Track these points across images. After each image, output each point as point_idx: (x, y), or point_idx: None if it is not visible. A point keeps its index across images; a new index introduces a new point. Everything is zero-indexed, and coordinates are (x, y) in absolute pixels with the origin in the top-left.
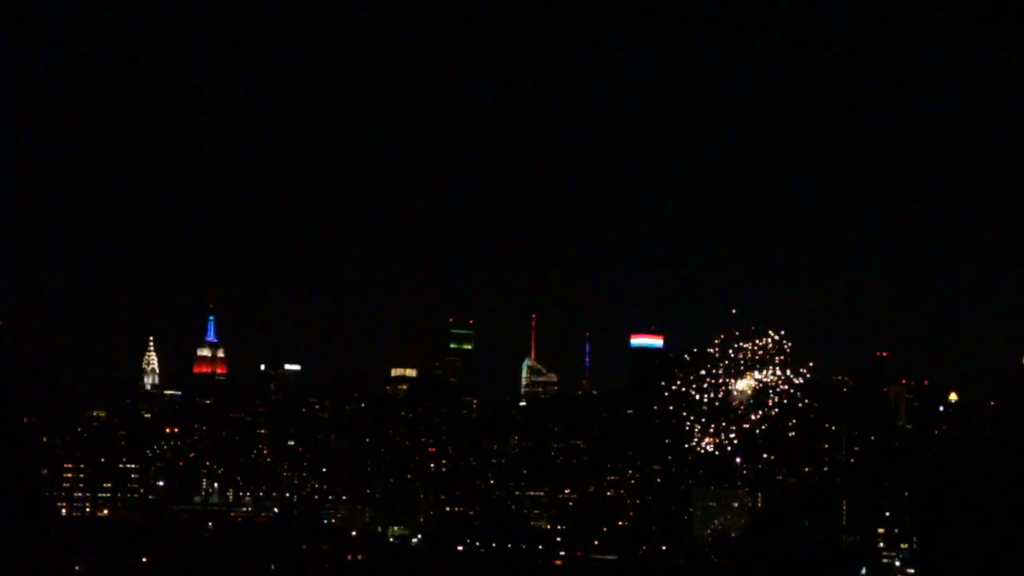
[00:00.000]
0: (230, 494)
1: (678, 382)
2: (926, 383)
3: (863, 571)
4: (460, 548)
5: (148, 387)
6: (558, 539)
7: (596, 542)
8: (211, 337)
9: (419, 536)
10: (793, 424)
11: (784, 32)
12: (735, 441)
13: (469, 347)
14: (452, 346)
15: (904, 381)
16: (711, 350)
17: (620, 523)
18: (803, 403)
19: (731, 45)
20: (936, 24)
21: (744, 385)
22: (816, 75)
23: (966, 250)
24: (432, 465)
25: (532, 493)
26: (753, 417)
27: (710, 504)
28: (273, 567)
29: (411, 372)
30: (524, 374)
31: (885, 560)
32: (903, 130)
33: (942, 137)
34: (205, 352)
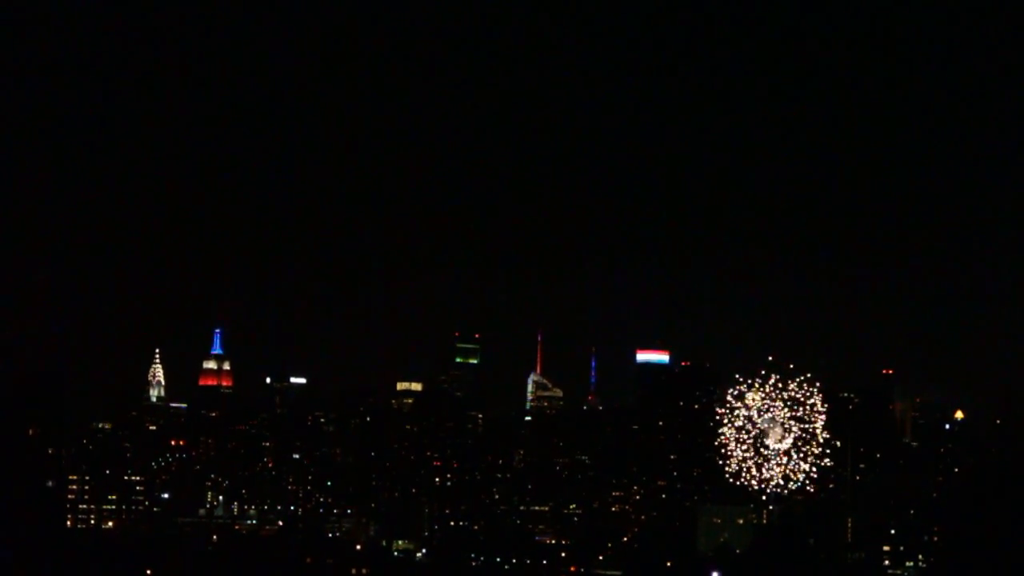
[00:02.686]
0: (235, 507)
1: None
2: (932, 401)
3: None
4: (464, 562)
5: (154, 399)
6: (563, 554)
7: (600, 557)
8: (217, 350)
9: (424, 550)
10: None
11: (792, 39)
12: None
13: (475, 361)
14: (458, 360)
15: (910, 399)
16: None
17: (625, 539)
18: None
19: (735, 54)
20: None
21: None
22: (821, 83)
23: (973, 269)
24: (437, 479)
25: (537, 508)
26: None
27: (715, 520)
28: None
29: (417, 386)
30: (530, 389)
31: None
32: (911, 146)
33: (951, 155)
34: (211, 365)
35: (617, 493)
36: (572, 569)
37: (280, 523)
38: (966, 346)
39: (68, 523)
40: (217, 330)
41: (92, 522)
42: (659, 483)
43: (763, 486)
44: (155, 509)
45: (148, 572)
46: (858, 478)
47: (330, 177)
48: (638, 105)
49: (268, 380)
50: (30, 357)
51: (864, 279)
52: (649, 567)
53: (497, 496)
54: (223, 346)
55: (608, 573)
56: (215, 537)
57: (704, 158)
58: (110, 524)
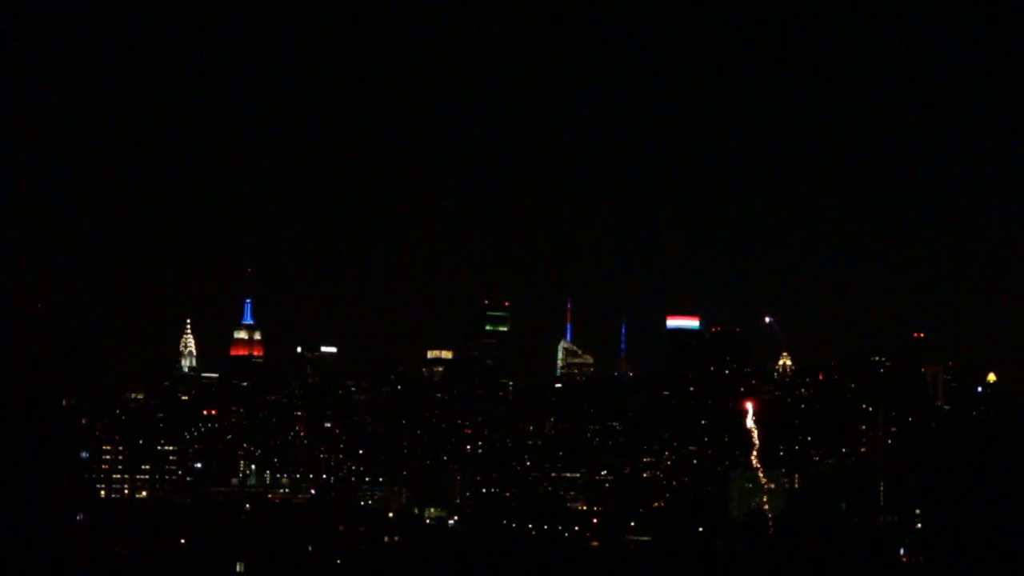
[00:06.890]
0: (267, 476)
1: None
2: (964, 364)
3: (901, 552)
4: (497, 529)
5: (185, 369)
6: (594, 520)
7: (632, 523)
8: (248, 319)
9: (456, 518)
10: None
11: (815, 20)
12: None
13: (505, 329)
14: (488, 328)
15: (942, 362)
16: None
17: (656, 504)
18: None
19: (760, 33)
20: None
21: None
22: (850, 60)
23: (1004, 230)
24: (468, 447)
25: (568, 475)
26: (789, 399)
27: (747, 485)
28: (310, 549)
29: (447, 354)
30: (560, 356)
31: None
32: (940, 113)
33: (981, 121)
34: (242, 335)
35: (648, 459)
36: (603, 535)
37: (312, 492)
38: (998, 308)
39: (102, 493)
40: (247, 300)
41: (125, 492)
42: (690, 449)
43: None
44: (188, 479)
45: (181, 541)
46: (889, 441)
47: (358, 147)
48: (667, 78)
49: (299, 349)
50: (63, 328)
51: (895, 241)
52: (681, 533)
53: (528, 463)
54: (254, 316)
55: (639, 539)
56: (248, 506)
57: (734, 125)
58: (143, 494)
